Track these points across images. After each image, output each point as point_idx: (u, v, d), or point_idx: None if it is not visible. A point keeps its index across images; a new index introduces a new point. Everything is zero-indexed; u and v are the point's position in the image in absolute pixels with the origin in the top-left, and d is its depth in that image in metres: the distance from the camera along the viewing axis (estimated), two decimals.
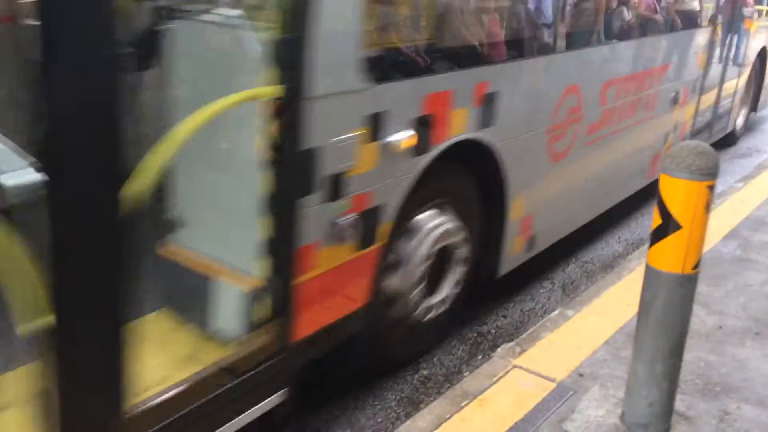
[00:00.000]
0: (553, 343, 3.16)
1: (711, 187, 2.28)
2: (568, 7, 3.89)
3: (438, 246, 3.10)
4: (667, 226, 2.33)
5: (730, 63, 6.69)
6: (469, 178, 3.29)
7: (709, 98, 6.28)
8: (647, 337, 2.46)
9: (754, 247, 4.31)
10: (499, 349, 3.11)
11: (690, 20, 5.54)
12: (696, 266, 2.36)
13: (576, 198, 4.28)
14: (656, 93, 4.91)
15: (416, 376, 3.20)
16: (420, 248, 3.00)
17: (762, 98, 8.16)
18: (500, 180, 3.37)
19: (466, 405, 2.67)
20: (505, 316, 3.84)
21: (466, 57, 3.16)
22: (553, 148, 3.82)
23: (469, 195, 3.34)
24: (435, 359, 3.34)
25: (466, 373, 3.17)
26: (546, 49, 3.73)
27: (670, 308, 2.39)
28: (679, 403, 2.69)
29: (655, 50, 4.89)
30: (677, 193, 2.29)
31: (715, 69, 6.27)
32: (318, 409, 2.90)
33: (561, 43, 3.78)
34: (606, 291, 3.69)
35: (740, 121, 7.76)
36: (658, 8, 5.05)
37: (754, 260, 4.11)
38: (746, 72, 7.37)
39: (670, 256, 2.35)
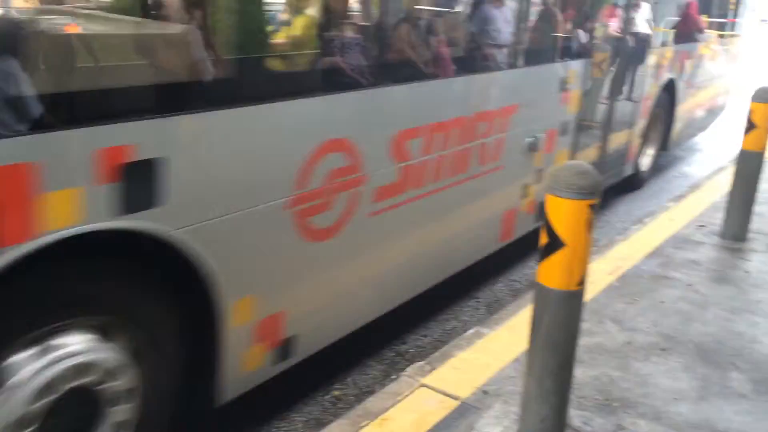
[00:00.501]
0: (464, 362, 3.18)
1: (592, 206, 2.34)
2: (315, 31, 3.03)
3: (55, 394, 2.12)
4: (553, 243, 2.38)
5: (623, 99, 5.92)
6: (147, 280, 2.39)
7: (591, 140, 5.53)
8: (537, 353, 2.50)
9: (674, 265, 4.40)
10: (409, 368, 3.12)
11: (550, 52, 4.76)
12: (581, 283, 2.41)
13: (368, 281, 3.37)
14: (500, 140, 4.06)
15: (327, 397, 3.19)
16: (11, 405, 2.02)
17: (677, 133, 7.37)
18: (202, 277, 2.45)
19: (366, 425, 2.67)
20: (425, 335, 3.87)
21: (80, 110, 2.10)
22: (307, 225, 2.88)
23: (144, 303, 2.39)
24: (349, 379, 3.35)
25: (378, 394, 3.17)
26: (263, 94, 2.64)
27: (557, 324, 2.43)
28: (577, 419, 2.74)
29: (489, 89, 4.01)
30: (561, 212, 2.35)
31: (601, 107, 5.61)
32: None
33: (300, 84, 2.88)
34: (524, 309, 3.73)
35: (646, 162, 7.01)
36: (497, 37, 4.19)
37: (672, 278, 4.20)
38: (646, 108, 6.46)
39: (556, 273, 2.40)
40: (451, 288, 4.09)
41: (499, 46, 4.19)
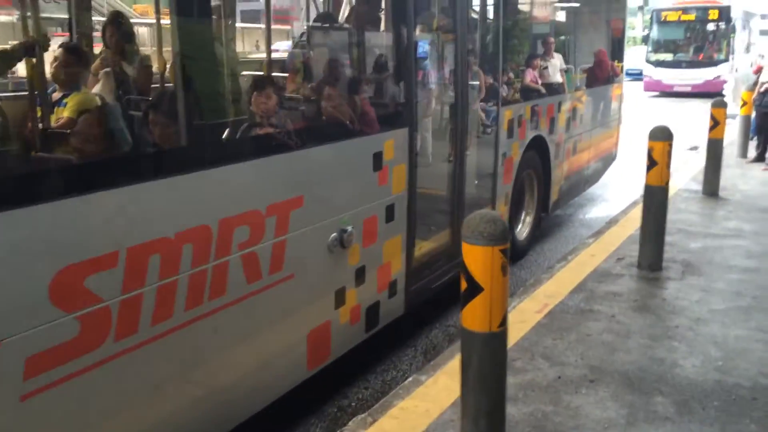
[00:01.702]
0: (404, 410, 3.25)
1: (503, 251, 2.50)
2: None
3: None
4: (472, 289, 2.52)
5: (474, 166, 5.10)
6: None
7: (438, 220, 4.79)
8: (469, 395, 2.61)
9: (598, 298, 4.62)
10: (350, 423, 3.17)
11: (351, 124, 3.71)
12: (502, 324, 2.56)
13: None
14: (280, 244, 3.07)
15: None
16: None
17: (557, 192, 6.75)
18: None
19: None
20: (366, 388, 3.92)
21: None
22: None
23: None
24: None
25: None
26: None
27: (485, 365, 2.56)
28: None
29: (244, 185, 2.90)
30: (475, 258, 2.50)
31: (446, 179, 4.79)
32: None
33: None
34: (459, 353, 3.84)
35: (524, 230, 6.31)
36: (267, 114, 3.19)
37: (596, 311, 4.41)
38: (509, 172, 5.60)
39: (477, 316, 2.54)
40: (388, 338, 4.17)
41: (270, 125, 3.24)
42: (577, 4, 7.31)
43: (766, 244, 5.81)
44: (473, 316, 2.55)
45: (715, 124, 7.69)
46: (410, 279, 4.13)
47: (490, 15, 5.23)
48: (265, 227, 2.97)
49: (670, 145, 5.02)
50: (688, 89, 21.47)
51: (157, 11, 3.55)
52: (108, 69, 3.17)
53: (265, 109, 3.18)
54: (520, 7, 5.74)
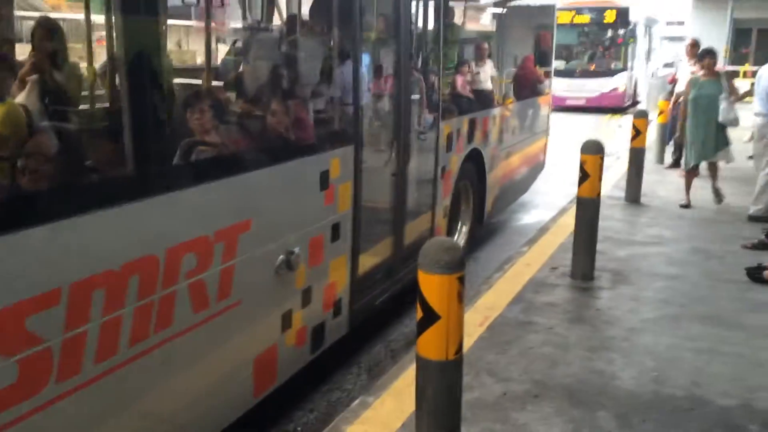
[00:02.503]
0: None
1: (460, 279, 2.51)
2: None
3: None
4: (428, 317, 2.52)
5: (414, 181, 4.98)
6: None
7: (379, 237, 4.64)
8: (423, 422, 2.60)
9: (535, 309, 4.73)
10: None
11: (298, 144, 3.63)
12: (458, 352, 2.56)
13: None
14: (228, 270, 2.94)
15: None
16: None
17: (492, 203, 6.77)
18: None
19: None
20: (312, 410, 3.86)
21: None
22: None
23: None
24: None
25: None
26: None
27: (440, 393, 2.57)
28: None
29: (187, 211, 2.74)
30: (432, 286, 2.50)
31: (388, 195, 4.66)
32: None
33: None
34: (405, 371, 3.84)
35: (461, 241, 6.24)
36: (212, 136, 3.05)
37: (535, 322, 4.51)
38: (448, 185, 5.59)
39: (434, 345, 2.54)
40: (329, 355, 4.12)
41: (216, 146, 3.10)
42: (509, 16, 7.45)
43: (685, 250, 6.11)
44: (429, 345, 2.54)
45: (637, 133, 8.02)
46: (354, 297, 4.10)
47: (430, 29, 5.23)
48: (214, 253, 2.84)
49: (602, 158, 5.20)
50: (582, 102, 19.14)
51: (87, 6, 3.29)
52: (35, 76, 2.94)
53: (206, 127, 3.06)
54: (456, 21, 5.77)
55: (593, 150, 5.11)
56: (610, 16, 19.52)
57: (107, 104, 3.06)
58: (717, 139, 7.36)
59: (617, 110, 19.38)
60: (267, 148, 3.44)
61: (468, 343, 4.10)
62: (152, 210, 2.53)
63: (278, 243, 3.33)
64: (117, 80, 2.83)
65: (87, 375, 2.31)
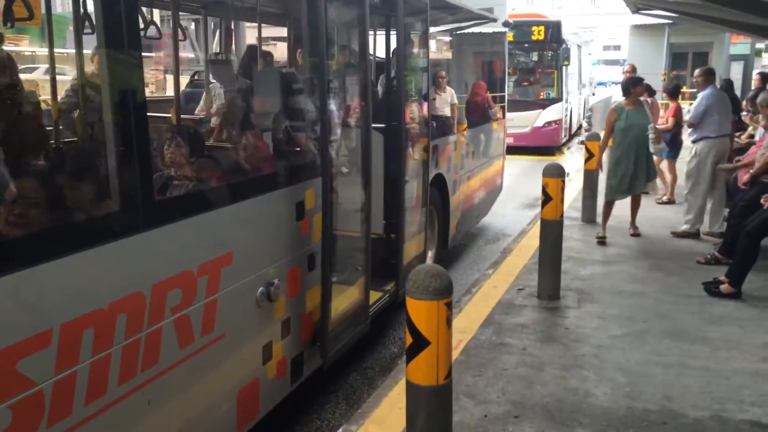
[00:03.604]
0: None
1: (448, 304, 2.56)
2: None
3: None
4: (418, 343, 2.55)
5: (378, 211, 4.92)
6: None
7: (352, 265, 4.64)
8: None
9: (507, 331, 4.81)
10: None
11: (275, 177, 3.60)
12: (447, 376, 2.60)
13: None
14: (211, 305, 2.93)
15: None
16: None
17: (455, 227, 6.85)
18: None
19: None
20: None
21: None
22: None
23: None
24: None
25: None
26: None
27: (431, 418, 2.59)
28: None
29: (173, 246, 2.72)
30: (421, 313, 2.54)
31: (353, 225, 4.60)
32: None
33: None
34: (385, 398, 3.86)
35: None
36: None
37: (507, 344, 4.59)
38: (417, 215, 5.63)
39: (424, 370, 2.57)
40: (306, 385, 4.09)
41: (195, 181, 3.14)
42: (465, 44, 7.67)
43: (644, 268, 6.31)
44: (419, 371, 2.57)
45: (590, 155, 8.29)
46: (331, 326, 4.09)
47: (395, 59, 5.32)
48: (197, 288, 2.82)
49: (563, 182, 5.37)
50: (509, 141, 12.33)
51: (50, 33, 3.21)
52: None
53: (186, 162, 3.06)
54: (418, 52, 5.88)
55: (555, 173, 5.27)
56: (538, 32, 15.32)
57: (84, 142, 3.03)
58: (648, 171, 7.05)
59: (550, 150, 15.76)
60: (246, 181, 3.45)
61: None
62: (138, 247, 2.51)
63: (259, 275, 3.32)
64: (92, 118, 2.81)
65: (77, 417, 2.26)
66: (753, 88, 9.87)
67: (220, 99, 4.42)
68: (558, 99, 15.68)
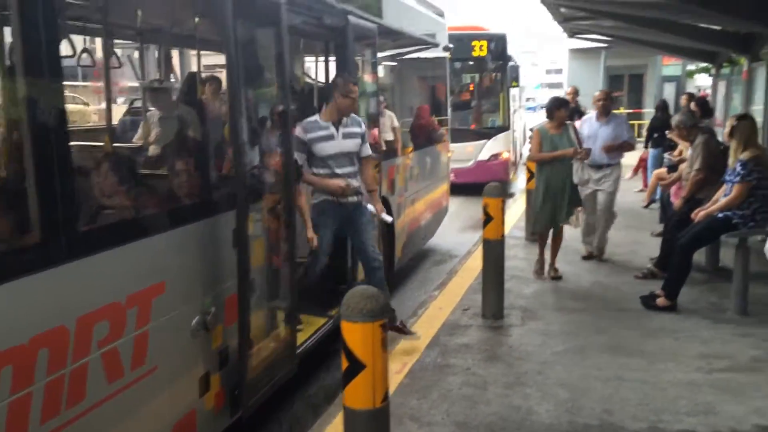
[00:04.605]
0: None
1: (383, 326, 2.55)
2: None
3: None
4: (354, 367, 2.53)
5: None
6: None
7: (285, 290, 4.20)
8: None
9: (451, 351, 4.82)
10: None
11: (209, 203, 3.51)
12: (385, 399, 2.58)
13: None
14: (141, 337, 2.84)
15: None
16: None
17: (400, 250, 6.78)
18: None
19: None
20: None
21: None
22: None
23: None
24: None
25: None
26: None
27: None
28: None
29: (98, 277, 2.62)
30: (356, 335, 2.52)
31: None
32: None
33: None
34: (328, 425, 3.81)
35: None
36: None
37: (452, 364, 4.59)
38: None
39: (360, 394, 2.55)
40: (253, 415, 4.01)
41: (127, 209, 3.05)
42: (407, 69, 7.74)
43: (585, 284, 6.44)
44: (356, 394, 2.55)
45: (532, 175, 8.45)
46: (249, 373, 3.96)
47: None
48: (126, 319, 2.73)
49: (503, 201, 5.45)
50: (450, 178, 9.93)
51: None
52: None
53: (113, 191, 2.99)
54: (364, 75, 5.86)
55: (495, 193, 5.35)
56: (480, 47, 12.63)
57: (3, 172, 2.93)
58: (571, 202, 6.40)
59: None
60: (178, 209, 3.37)
61: (389, 390, 4.12)
62: (61, 279, 2.42)
63: (194, 304, 3.24)
64: (12, 146, 2.72)
65: None
66: (682, 106, 10.27)
67: (157, 126, 4.35)
68: (505, 127, 12.94)
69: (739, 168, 5.31)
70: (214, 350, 3.44)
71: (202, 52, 4.78)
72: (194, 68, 4.63)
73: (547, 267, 6.71)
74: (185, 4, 4.13)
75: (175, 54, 5.57)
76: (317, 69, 7.23)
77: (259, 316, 3.77)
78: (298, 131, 4.54)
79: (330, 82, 5.30)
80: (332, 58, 5.38)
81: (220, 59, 3.71)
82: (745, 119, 5.74)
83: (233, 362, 3.60)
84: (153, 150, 3.62)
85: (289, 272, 4.05)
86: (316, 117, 4.74)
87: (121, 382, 2.73)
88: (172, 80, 4.57)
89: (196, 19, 4.02)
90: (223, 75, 3.77)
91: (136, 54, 5.26)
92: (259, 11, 3.71)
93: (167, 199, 3.39)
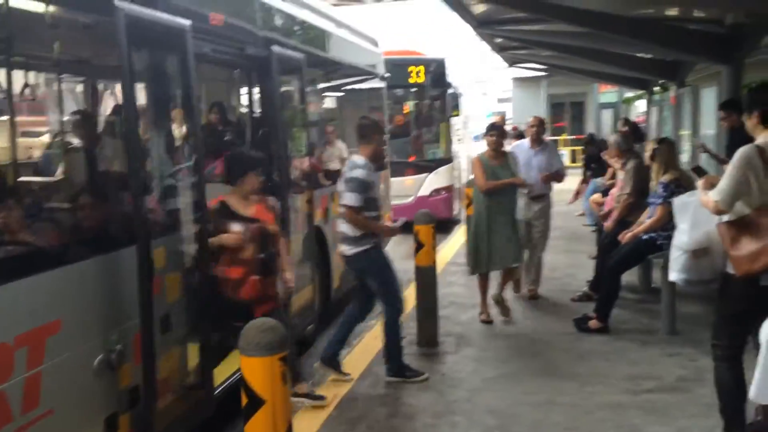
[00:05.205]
0: None
1: (283, 359, 2.47)
2: None
3: None
4: (253, 403, 2.44)
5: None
6: None
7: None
8: None
9: (383, 381, 4.74)
10: None
11: (113, 236, 3.39)
12: None
13: None
14: (33, 379, 2.70)
15: None
16: None
17: (339, 280, 6.61)
18: None
19: None
20: None
21: None
22: None
23: None
24: None
25: None
26: None
27: None
28: None
29: None
30: (254, 370, 2.44)
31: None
32: None
33: None
34: None
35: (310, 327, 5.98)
36: None
37: (383, 395, 4.52)
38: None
39: (261, 430, 2.45)
40: None
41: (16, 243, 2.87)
42: (344, 100, 7.75)
43: (521, 309, 6.43)
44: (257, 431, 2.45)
45: (470, 202, 8.50)
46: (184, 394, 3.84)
47: (270, 107, 5.25)
48: (14, 361, 2.58)
49: (434, 228, 5.44)
50: (389, 215, 9.39)
51: None
52: None
53: (6, 224, 2.86)
54: (293, 105, 5.82)
55: (425, 220, 5.34)
56: (417, 73, 11.61)
57: None
58: (517, 241, 5.95)
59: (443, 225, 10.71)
60: (76, 242, 3.21)
61: (315, 425, 4.02)
62: None
63: (96, 342, 3.08)
64: None
65: None
66: (619, 131, 10.49)
67: (66, 156, 4.18)
68: (447, 159, 11.86)
69: (660, 190, 5.43)
70: (122, 389, 3.28)
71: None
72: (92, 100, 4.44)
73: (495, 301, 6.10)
74: (81, 35, 3.97)
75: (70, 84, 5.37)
76: (240, 99, 7.16)
77: (171, 354, 3.62)
78: (362, 173, 4.54)
79: (368, 122, 5.16)
80: (256, 90, 5.30)
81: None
82: (664, 143, 5.89)
83: (142, 397, 3.44)
84: (60, 184, 3.48)
85: (201, 308, 3.87)
86: (363, 159, 4.66)
87: (11, 426, 2.58)
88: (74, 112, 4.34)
89: (92, 49, 3.89)
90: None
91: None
92: (159, 39, 3.62)
93: (64, 234, 3.23)
